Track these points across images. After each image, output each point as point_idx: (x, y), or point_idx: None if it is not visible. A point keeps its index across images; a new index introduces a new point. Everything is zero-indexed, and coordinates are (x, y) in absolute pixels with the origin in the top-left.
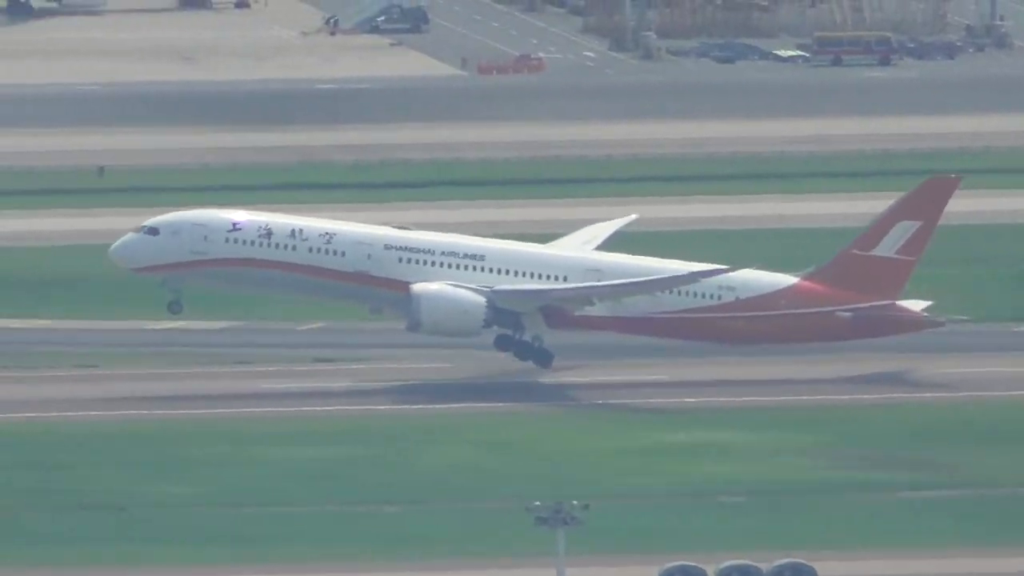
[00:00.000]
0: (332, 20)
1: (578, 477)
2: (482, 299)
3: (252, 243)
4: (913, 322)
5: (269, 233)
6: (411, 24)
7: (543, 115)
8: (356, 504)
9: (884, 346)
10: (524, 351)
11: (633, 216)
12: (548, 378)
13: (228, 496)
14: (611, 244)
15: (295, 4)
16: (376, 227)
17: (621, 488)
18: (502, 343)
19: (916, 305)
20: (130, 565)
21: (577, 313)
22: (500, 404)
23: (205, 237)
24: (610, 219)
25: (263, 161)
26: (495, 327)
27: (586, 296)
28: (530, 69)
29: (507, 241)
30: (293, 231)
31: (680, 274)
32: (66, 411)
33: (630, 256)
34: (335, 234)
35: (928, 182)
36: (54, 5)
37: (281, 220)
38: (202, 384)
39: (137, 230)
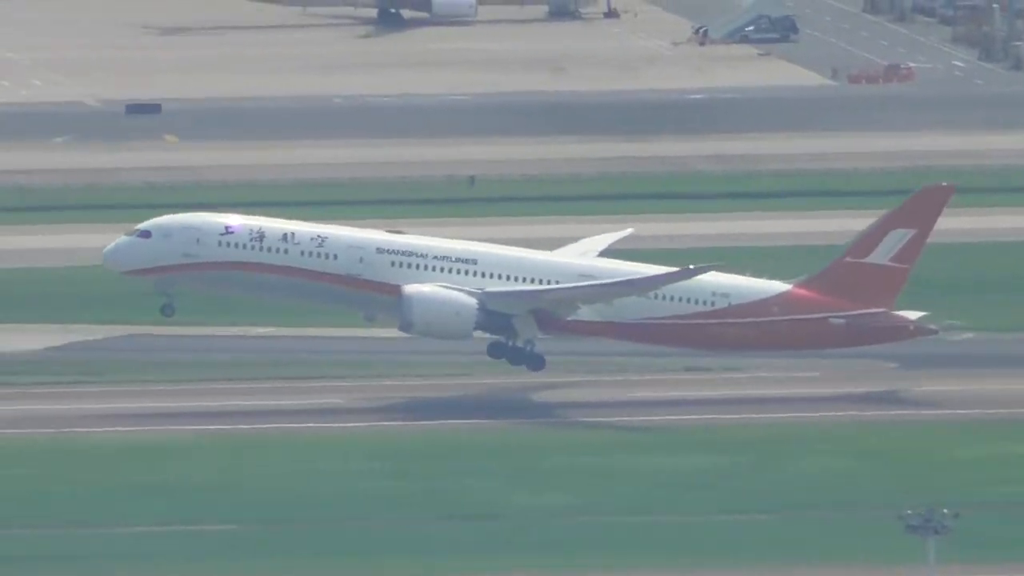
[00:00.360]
0: (701, 30)
1: (947, 485)
2: (473, 301)
3: (244, 246)
4: (907, 330)
5: (261, 236)
6: (780, 34)
7: (913, 125)
8: (726, 513)
9: None
10: (517, 356)
11: (629, 230)
12: (931, 385)
13: (599, 505)
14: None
15: (664, 15)
16: (368, 231)
17: (991, 496)
18: (496, 350)
19: (909, 315)
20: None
21: (569, 318)
22: (869, 413)
23: (197, 240)
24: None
25: (632, 171)
26: (487, 331)
27: (575, 297)
28: (899, 79)
29: (500, 246)
30: (285, 235)
31: (669, 272)
32: (427, 419)
33: (624, 263)
34: (327, 237)
35: (923, 190)
36: (425, 16)
37: (273, 224)
38: (570, 393)
39: (129, 233)
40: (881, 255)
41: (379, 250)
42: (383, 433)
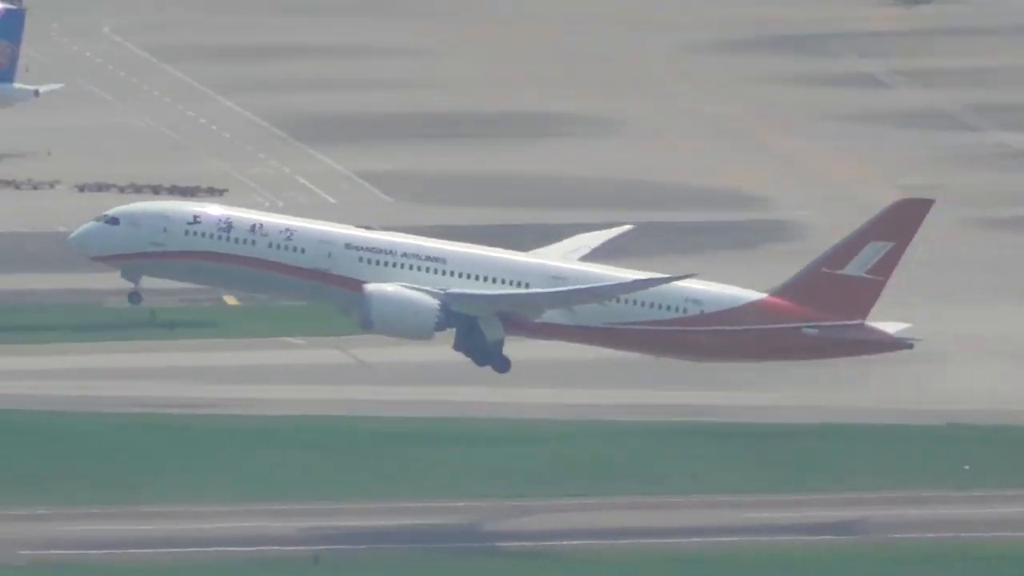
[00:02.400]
0: None
1: None
2: (435, 301)
3: (211, 236)
4: (882, 343)
5: (229, 227)
6: None
7: None
8: None
9: None
10: (482, 356)
11: (628, 227)
12: None
13: None
14: (601, 255)
15: None
16: (339, 226)
17: None
18: (461, 347)
19: (892, 326)
20: None
21: (537, 320)
22: None
23: (164, 229)
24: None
25: None
26: (450, 329)
27: (539, 303)
28: None
29: (471, 245)
30: (253, 226)
31: (625, 281)
32: None
33: (599, 266)
34: (296, 231)
35: (899, 203)
36: None
37: (243, 214)
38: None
39: (98, 219)
40: (857, 267)
41: (348, 246)
42: None
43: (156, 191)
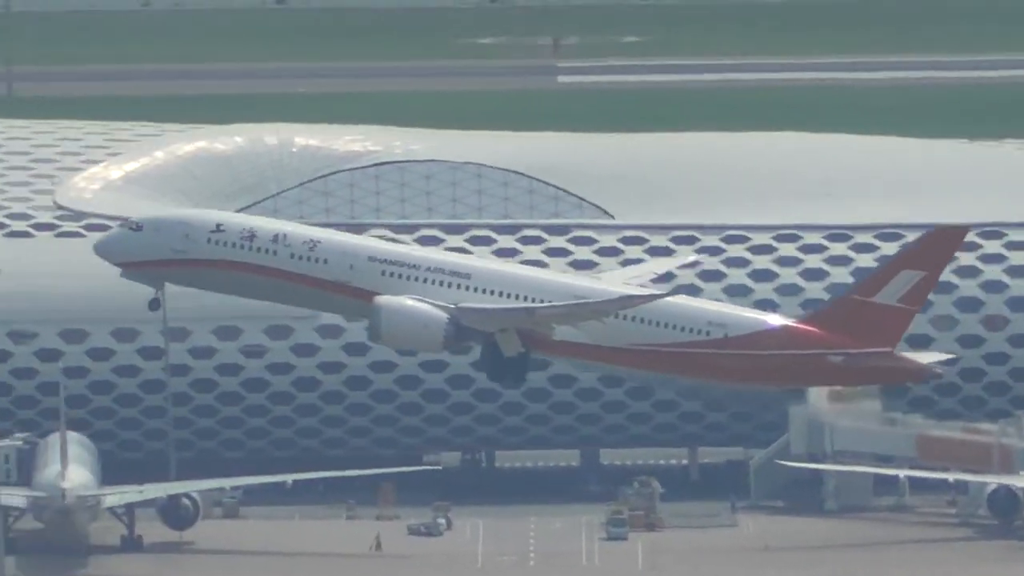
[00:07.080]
0: None
1: None
2: (444, 315)
3: (234, 245)
4: (910, 371)
5: (252, 236)
6: None
7: None
8: None
9: None
10: (496, 372)
11: (694, 258)
12: None
13: None
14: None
15: None
16: (364, 239)
17: None
18: (481, 364)
19: (930, 357)
20: None
21: (557, 338)
22: None
23: (187, 236)
24: None
25: None
26: (473, 342)
27: (540, 316)
28: None
29: (498, 260)
30: (276, 236)
31: (619, 296)
32: None
33: (635, 287)
34: (319, 242)
35: (933, 233)
36: None
37: (266, 224)
38: None
39: (122, 225)
40: (889, 295)
41: (371, 259)
42: None
43: None
